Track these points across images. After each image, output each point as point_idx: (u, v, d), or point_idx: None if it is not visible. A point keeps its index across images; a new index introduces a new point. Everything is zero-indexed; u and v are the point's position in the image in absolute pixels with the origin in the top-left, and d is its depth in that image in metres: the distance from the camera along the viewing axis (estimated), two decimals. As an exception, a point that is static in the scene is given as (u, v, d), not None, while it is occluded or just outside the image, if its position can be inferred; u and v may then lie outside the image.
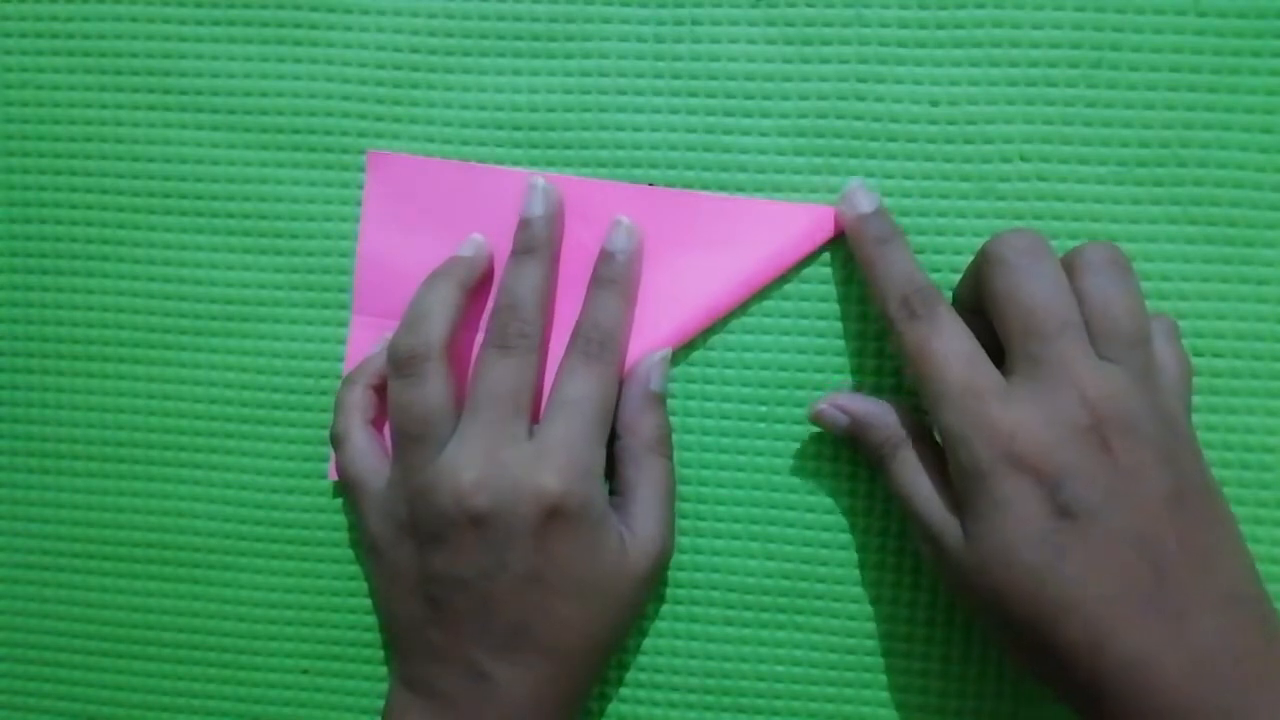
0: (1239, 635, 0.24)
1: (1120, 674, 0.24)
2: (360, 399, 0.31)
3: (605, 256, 0.30)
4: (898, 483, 0.28)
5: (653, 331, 0.31)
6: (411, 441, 0.28)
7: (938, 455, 0.28)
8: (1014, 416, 0.25)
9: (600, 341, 0.29)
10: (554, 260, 0.30)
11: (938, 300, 0.27)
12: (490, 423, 0.28)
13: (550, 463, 0.27)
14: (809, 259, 0.31)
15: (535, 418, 0.30)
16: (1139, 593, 0.24)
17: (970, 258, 0.30)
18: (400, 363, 0.29)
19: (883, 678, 0.32)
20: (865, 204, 0.29)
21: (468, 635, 0.28)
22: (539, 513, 0.27)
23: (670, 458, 0.31)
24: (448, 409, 0.28)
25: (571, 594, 0.28)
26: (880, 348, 0.31)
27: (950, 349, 0.26)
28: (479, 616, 0.27)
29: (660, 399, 0.30)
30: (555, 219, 0.30)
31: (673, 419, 0.32)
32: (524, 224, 0.30)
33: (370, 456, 0.30)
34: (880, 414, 0.29)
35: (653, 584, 0.30)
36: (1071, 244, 0.30)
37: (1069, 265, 0.27)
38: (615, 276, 0.30)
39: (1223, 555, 0.25)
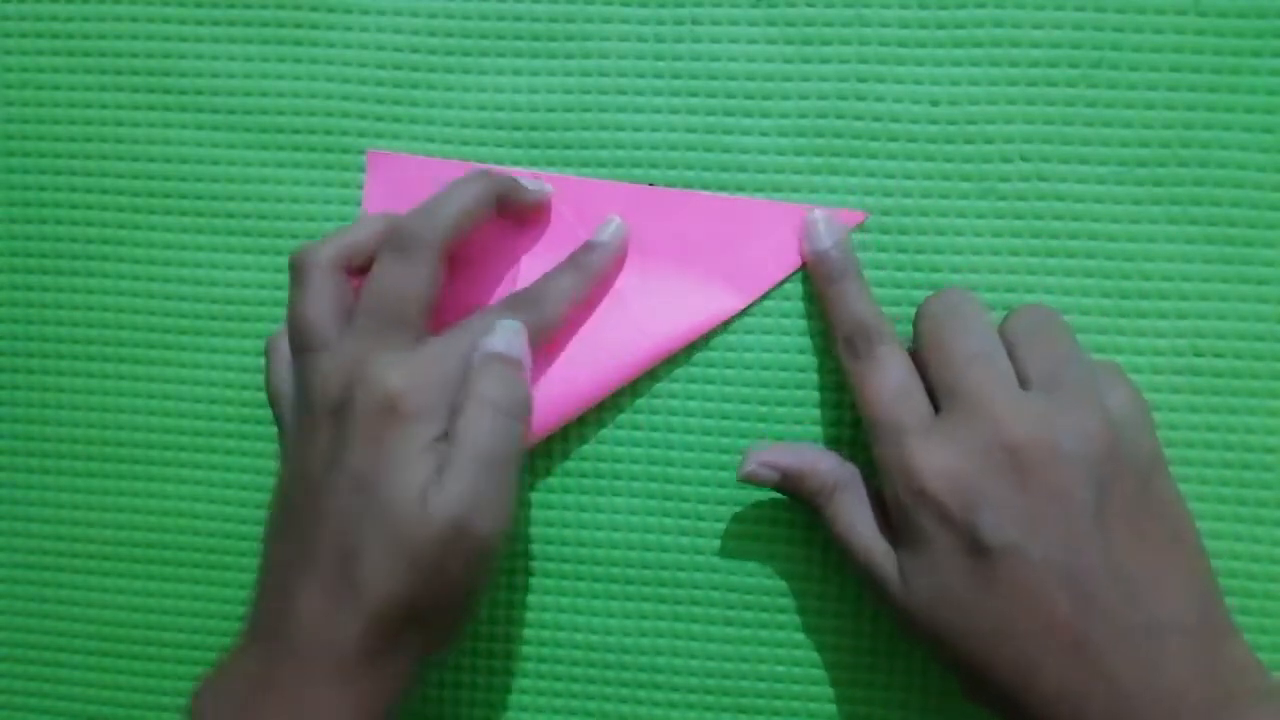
0: (1169, 669, 0.23)
1: (1048, 710, 0.24)
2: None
3: (586, 246, 0.30)
4: (836, 528, 0.28)
5: (654, 331, 0.31)
6: (372, 317, 0.27)
7: (877, 494, 0.28)
8: (930, 452, 0.25)
9: (533, 301, 0.29)
10: (486, 194, 0.29)
11: (879, 339, 0.28)
12: (367, 327, 0.27)
13: (408, 366, 0.26)
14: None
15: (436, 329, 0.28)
16: (1062, 625, 0.24)
17: (970, 258, 0.30)
18: (398, 239, 0.27)
19: (882, 677, 0.32)
20: (822, 240, 0.29)
21: (298, 550, 0.26)
22: (377, 405, 0.25)
23: (508, 421, 0.26)
24: (426, 302, 0.27)
25: (383, 518, 0.25)
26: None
27: (882, 385, 0.27)
28: (311, 525, 0.26)
29: (500, 358, 0.27)
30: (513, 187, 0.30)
31: (672, 419, 0.32)
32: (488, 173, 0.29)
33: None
34: (811, 462, 0.29)
35: (463, 558, 0.25)
36: (1072, 244, 0.30)
37: (1002, 328, 0.27)
38: (586, 264, 0.30)
39: (1159, 581, 0.24)
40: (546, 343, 0.30)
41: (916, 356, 0.28)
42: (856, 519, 0.28)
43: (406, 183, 0.32)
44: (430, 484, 0.25)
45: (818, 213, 0.30)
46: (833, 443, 0.31)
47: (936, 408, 0.26)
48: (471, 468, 0.25)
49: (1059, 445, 0.24)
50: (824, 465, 0.29)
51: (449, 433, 0.26)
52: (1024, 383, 0.26)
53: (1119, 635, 0.23)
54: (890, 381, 0.27)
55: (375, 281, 0.27)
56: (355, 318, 0.27)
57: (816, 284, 0.30)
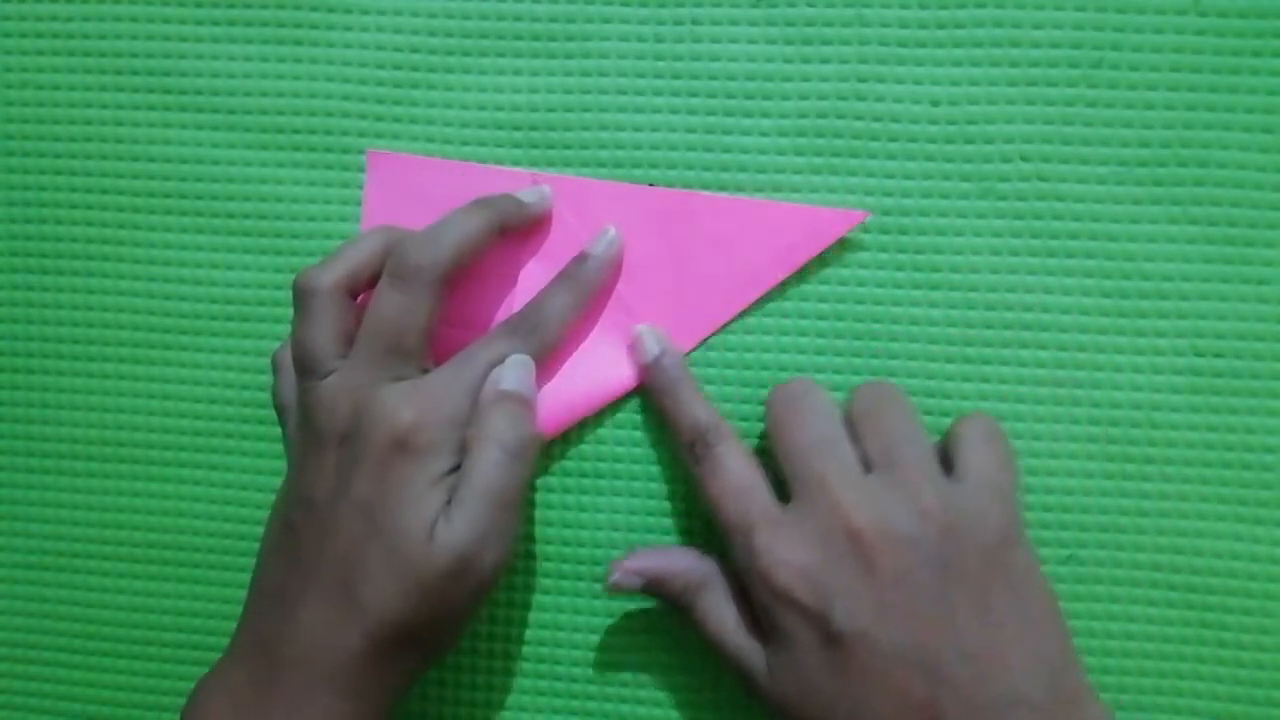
0: None
1: None
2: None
3: (580, 257, 0.30)
4: (702, 627, 0.28)
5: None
6: (373, 347, 0.27)
7: (742, 589, 0.28)
8: (778, 547, 0.26)
9: (532, 326, 0.29)
10: (488, 225, 0.29)
11: (717, 439, 0.28)
12: (370, 356, 0.27)
13: (417, 399, 0.26)
14: (811, 260, 0.31)
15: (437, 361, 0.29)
16: (918, 705, 0.24)
17: (970, 258, 0.30)
18: (400, 269, 0.27)
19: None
20: (650, 350, 0.30)
21: (299, 569, 0.27)
22: (388, 438, 0.26)
23: (517, 462, 0.27)
24: (426, 332, 0.28)
25: (390, 547, 0.26)
26: (882, 347, 0.31)
27: (725, 486, 0.27)
28: (315, 547, 0.26)
29: (511, 398, 0.27)
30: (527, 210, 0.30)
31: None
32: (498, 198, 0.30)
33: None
34: (671, 563, 0.29)
35: (466, 589, 0.26)
36: (1072, 244, 0.30)
37: (845, 410, 0.28)
38: (580, 276, 0.30)
39: (1006, 657, 0.24)
40: (547, 362, 0.30)
41: (767, 448, 0.28)
42: (725, 618, 0.28)
43: (406, 183, 0.32)
44: (438, 518, 0.26)
45: (643, 326, 0.30)
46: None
47: (788, 498, 0.27)
48: (479, 506, 0.26)
49: (895, 528, 0.25)
50: (683, 564, 0.29)
51: (459, 467, 0.27)
52: (866, 465, 0.26)
53: (972, 711, 0.24)
54: (732, 480, 0.27)
55: (376, 312, 0.27)
56: (357, 345, 0.27)
57: (651, 395, 0.30)
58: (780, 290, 0.31)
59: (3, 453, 0.35)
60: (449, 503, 0.26)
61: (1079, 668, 0.25)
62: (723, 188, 0.31)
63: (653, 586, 0.29)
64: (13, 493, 0.35)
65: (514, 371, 0.28)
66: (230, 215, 0.33)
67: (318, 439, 0.27)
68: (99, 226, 0.33)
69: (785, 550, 0.26)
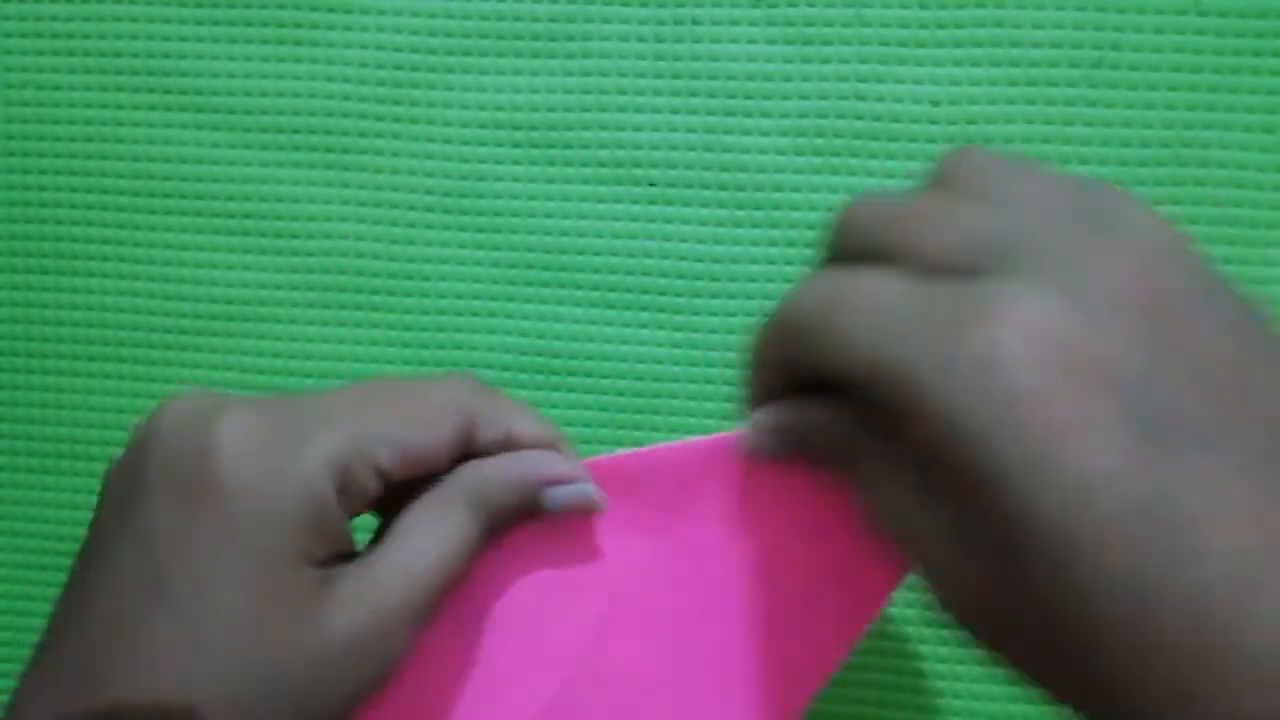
0: None
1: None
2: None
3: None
4: (868, 483, 0.20)
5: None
6: None
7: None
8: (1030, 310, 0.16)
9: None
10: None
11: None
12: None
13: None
14: None
15: None
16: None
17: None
18: None
19: (882, 677, 0.32)
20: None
21: None
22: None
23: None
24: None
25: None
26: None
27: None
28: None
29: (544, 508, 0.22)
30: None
31: (672, 419, 0.32)
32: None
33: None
34: (816, 413, 0.21)
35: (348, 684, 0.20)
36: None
37: None
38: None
39: None
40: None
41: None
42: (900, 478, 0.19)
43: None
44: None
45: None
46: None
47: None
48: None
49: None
50: (830, 414, 0.20)
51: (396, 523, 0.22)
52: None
53: None
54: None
55: None
56: None
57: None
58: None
59: (3, 453, 0.35)
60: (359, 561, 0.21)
61: None
62: (723, 188, 0.31)
63: (798, 441, 0.21)
64: (13, 493, 0.35)
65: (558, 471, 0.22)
66: (230, 215, 0.33)
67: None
68: (99, 226, 0.33)
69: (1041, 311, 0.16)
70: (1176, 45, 0.29)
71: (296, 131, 0.32)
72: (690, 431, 0.32)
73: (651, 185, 0.31)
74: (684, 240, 0.31)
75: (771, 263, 0.31)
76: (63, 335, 0.34)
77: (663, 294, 0.32)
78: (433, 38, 0.31)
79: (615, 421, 0.32)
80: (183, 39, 0.32)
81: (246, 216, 0.33)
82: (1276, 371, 0.16)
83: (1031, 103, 0.30)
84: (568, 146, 0.31)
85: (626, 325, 0.32)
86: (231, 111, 0.32)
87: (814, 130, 0.30)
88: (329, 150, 0.32)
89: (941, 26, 0.30)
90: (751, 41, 0.30)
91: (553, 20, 0.31)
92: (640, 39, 0.31)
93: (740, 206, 0.31)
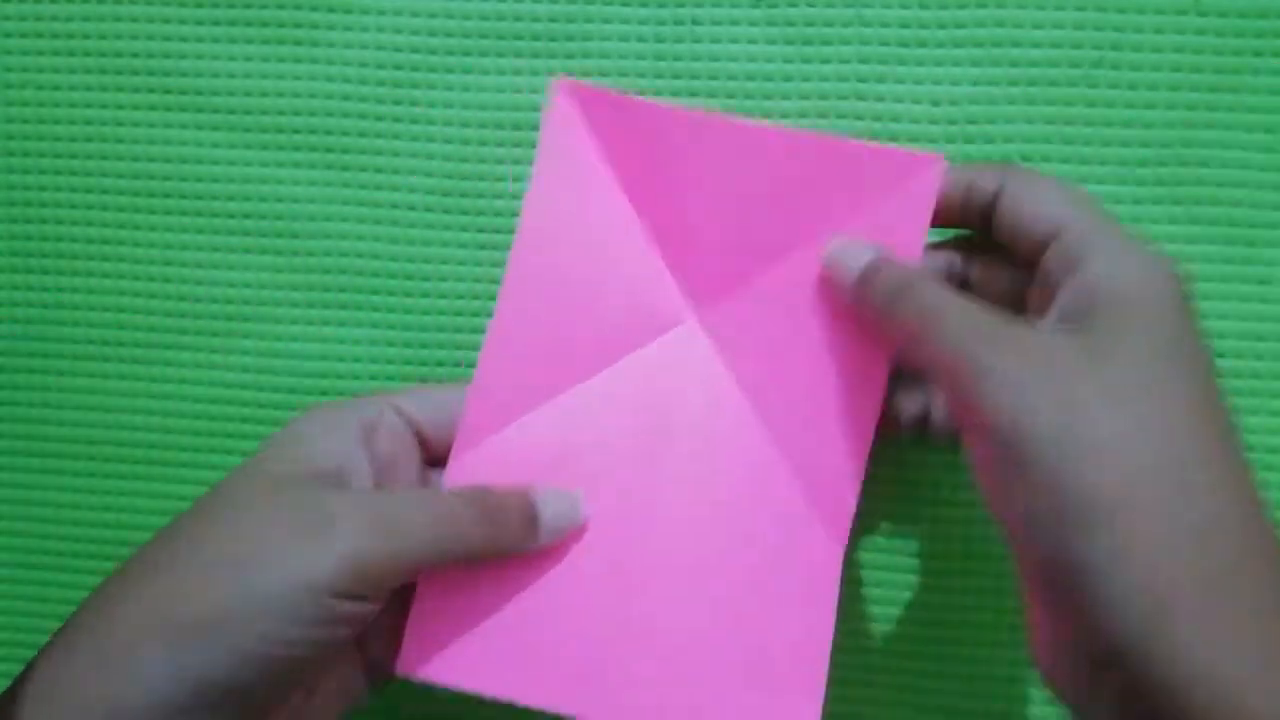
0: None
1: None
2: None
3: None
4: (926, 308, 0.23)
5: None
6: None
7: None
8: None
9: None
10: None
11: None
12: None
13: None
14: None
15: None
16: None
17: (970, 258, 0.30)
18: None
19: (881, 677, 0.32)
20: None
21: None
22: None
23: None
24: None
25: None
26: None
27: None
28: None
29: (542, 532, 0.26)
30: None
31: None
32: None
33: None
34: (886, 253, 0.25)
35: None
36: (1072, 244, 0.30)
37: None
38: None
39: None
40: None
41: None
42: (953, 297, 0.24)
43: (601, 123, 0.28)
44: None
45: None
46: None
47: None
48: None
49: None
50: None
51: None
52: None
53: None
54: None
55: None
56: None
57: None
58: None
59: (3, 453, 0.35)
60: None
61: None
62: (723, 188, 0.31)
63: (868, 271, 0.25)
64: (13, 493, 0.35)
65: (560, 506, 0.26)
66: (230, 215, 0.33)
67: None
68: (99, 226, 0.33)
69: None
70: (1176, 45, 0.29)
71: (296, 131, 0.32)
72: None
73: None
74: (684, 240, 0.31)
75: (771, 263, 0.31)
76: (63, 335, 0.34)
77: (663, 294, 0.31)
78: (433, 38, 0.31)
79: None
80: (183, 39, 0.32)
81: (246, 216, 0.33)
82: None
83: (1031, 103, 0.30)
84: (568, 146, 0.31)
85: (626, 325, 0.32)
86: (231, 111, 0.32)
87: (814, 130, 0.30)
88: (329, 150, 0.32)
89: (941, 26, 0.30)
90: (751, 41, 0.30)
91: (553, 20, 0.31)
92: (640, 39, 0.31)
93: (740, 206, 0.31)
